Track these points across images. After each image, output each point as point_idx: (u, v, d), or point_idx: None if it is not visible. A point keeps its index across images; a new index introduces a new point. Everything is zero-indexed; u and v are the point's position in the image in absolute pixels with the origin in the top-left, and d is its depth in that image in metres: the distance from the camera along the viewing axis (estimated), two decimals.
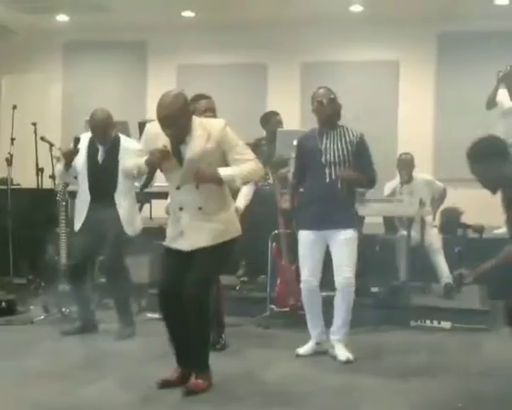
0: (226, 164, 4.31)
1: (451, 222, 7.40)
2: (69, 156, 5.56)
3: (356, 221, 5.12)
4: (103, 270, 5.95)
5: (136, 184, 5.38)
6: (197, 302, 4.26)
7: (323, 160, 4.99)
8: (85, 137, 5.71)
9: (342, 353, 5.03)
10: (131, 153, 5.30)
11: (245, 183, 4.60)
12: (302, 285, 5.14)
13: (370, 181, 5.15)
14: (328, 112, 5.03)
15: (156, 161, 4.21)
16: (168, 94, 4.17)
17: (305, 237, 5.08)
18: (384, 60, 10.67)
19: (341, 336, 5.09)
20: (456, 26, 10.02)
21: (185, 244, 4.31)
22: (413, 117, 10.48)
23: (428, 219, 7.02)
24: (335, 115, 5.06)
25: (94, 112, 5.66)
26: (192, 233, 4.29)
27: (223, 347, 5.27)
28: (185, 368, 4.41)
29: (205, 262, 4.28)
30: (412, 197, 6.64)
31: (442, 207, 7.46)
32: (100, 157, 5.65)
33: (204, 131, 4.27)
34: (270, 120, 7.30)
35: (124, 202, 5.62)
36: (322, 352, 5.16)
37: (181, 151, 4.27)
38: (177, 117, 4.14)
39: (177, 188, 4.32)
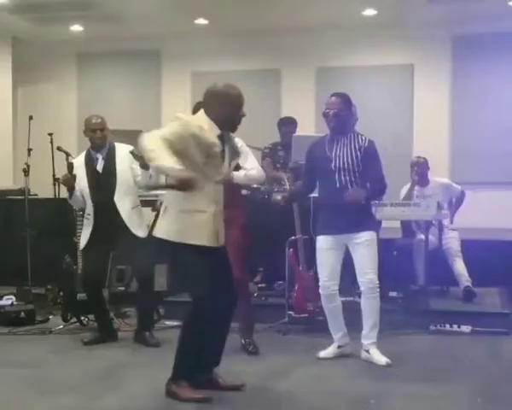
0: None
1: None
2: (69, 183, 5.60)
3: (374, 223, 5.11)
4: (126, 278, 5.99)
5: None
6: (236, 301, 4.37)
7: (332, 166, 4.97)
8: (79, 159, 5.77)
9: (379, 358, 5.01)
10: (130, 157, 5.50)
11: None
12: (320, 290, 5.13)
13: (380, 191, 5.15)
14: (331, 125, 5.03)
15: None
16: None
17: (322, 242, 5.07)
18: (398, 64, 10.65)
19: (374, 339, 5.07)
20: (471, 28, 9.99)
21: (218, 241, 4.26)
22: (428, 121, 10.44)
23: (446, 222, 6.98)
24: (340, 128, 5.01)
25: (89, 118, 5.72)
26: (221, 230, 4.29)
27: (257, 350, 5.33)
28: (207, 373, 4.40)
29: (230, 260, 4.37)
30: (429, 201, 6.60)
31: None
32: (99, 166, 5.69)
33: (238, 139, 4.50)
34: (280, 129, 7.28)
35: (125, 205, 5.63)
36: (343, 356, 5.15)
37: (225, 150, 4.25)
38: None
39: (216, 183, 4.21)
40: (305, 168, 5.34)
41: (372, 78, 10.58)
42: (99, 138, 5.69)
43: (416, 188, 7.04)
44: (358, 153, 4.97)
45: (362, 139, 5.02)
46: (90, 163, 5.72)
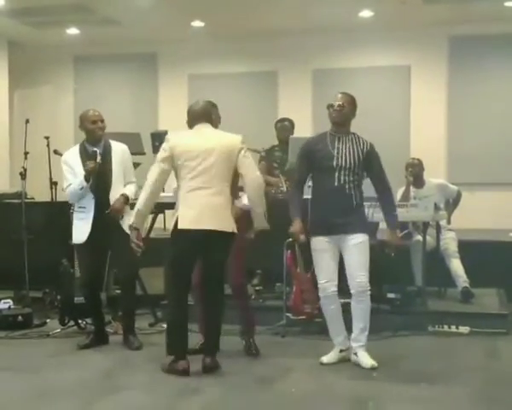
0: None
1: None
2: (95, 170, 5.49)
3: (368, 225, 5.10)
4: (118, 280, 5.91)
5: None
6: None
7: (334, 163, 4.95)
8: (72, 153, 5.66)
9: (366, 360, 4.98)
10: (128, 156, 5.69)
11: None
12: (319, 292, 5.10)
13: (390, 195, 5.20)
14: (334, 116, 5.02)
15: None
16: None
17: (317, 243, 5.04)
18: (395, 65, 10.66)
19: (363, 342, 5.04)
20: (468, 29, 10.01)
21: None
22: (425, 122, 10.46)
23: (443, 223, 6.97)
24: (342, 122, 5.02)
25: (86, 111, 5.64)
26: None
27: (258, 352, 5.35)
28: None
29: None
30: (426, 202, 6.59)
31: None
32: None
33: None
34: (276, 127, 7.31)
35: None
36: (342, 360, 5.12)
37: None
38: None
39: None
40: (300, 164, 5.19)
41: (369, 79, 10.59)
42: (100, 129, 5.59)
43: (412, 189, 7.03)
44: (360, 155, 4.99)
45: (364, 142, 5.04)
46: (86, 157, 5.56)
